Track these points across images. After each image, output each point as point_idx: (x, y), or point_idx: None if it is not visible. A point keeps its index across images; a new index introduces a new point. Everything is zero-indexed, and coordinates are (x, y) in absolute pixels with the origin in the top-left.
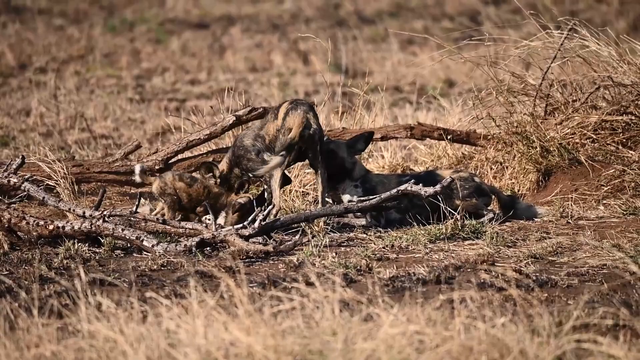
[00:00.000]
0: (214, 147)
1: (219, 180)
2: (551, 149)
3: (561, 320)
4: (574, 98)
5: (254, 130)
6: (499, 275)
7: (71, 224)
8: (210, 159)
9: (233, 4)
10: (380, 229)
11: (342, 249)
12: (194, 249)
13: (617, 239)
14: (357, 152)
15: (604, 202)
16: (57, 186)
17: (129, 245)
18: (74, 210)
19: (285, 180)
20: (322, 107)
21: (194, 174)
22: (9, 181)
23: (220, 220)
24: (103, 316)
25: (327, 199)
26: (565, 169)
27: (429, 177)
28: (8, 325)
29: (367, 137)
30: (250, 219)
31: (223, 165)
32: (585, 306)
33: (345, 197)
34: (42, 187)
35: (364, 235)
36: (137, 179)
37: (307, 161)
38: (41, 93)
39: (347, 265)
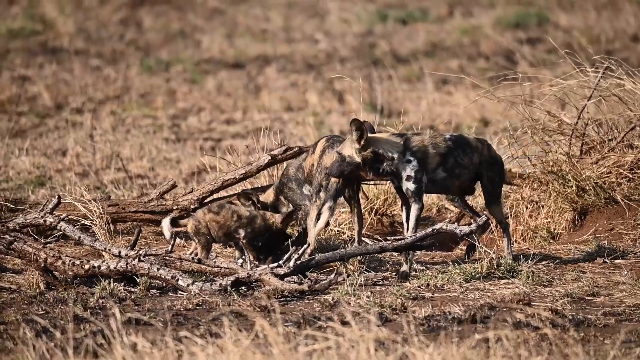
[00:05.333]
0: (249, 187)
1: (259, 207)
2: (587, 188)
3: None
4: (610, 137)
5: (299, 161)
6: (535, 314)
7: (107, 263)
8: None
9: (268, 44)
10: (415, 268)
11: (377, 287)
12: (229, 288)
13: None
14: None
15: None
16: (93, 226)
17: (164, 284)
18: (109, 249)
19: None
20: None
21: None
22: (45, 221)
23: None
24: (138, 356)
25: (362, 238)
26: (602, 208)
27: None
28: None
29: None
30: (285, 258)
31: (269, 195)
32: (621, 346)
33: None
34: (78, 226)
35: None
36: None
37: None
38: (77, 133)
39: (382, 304)
